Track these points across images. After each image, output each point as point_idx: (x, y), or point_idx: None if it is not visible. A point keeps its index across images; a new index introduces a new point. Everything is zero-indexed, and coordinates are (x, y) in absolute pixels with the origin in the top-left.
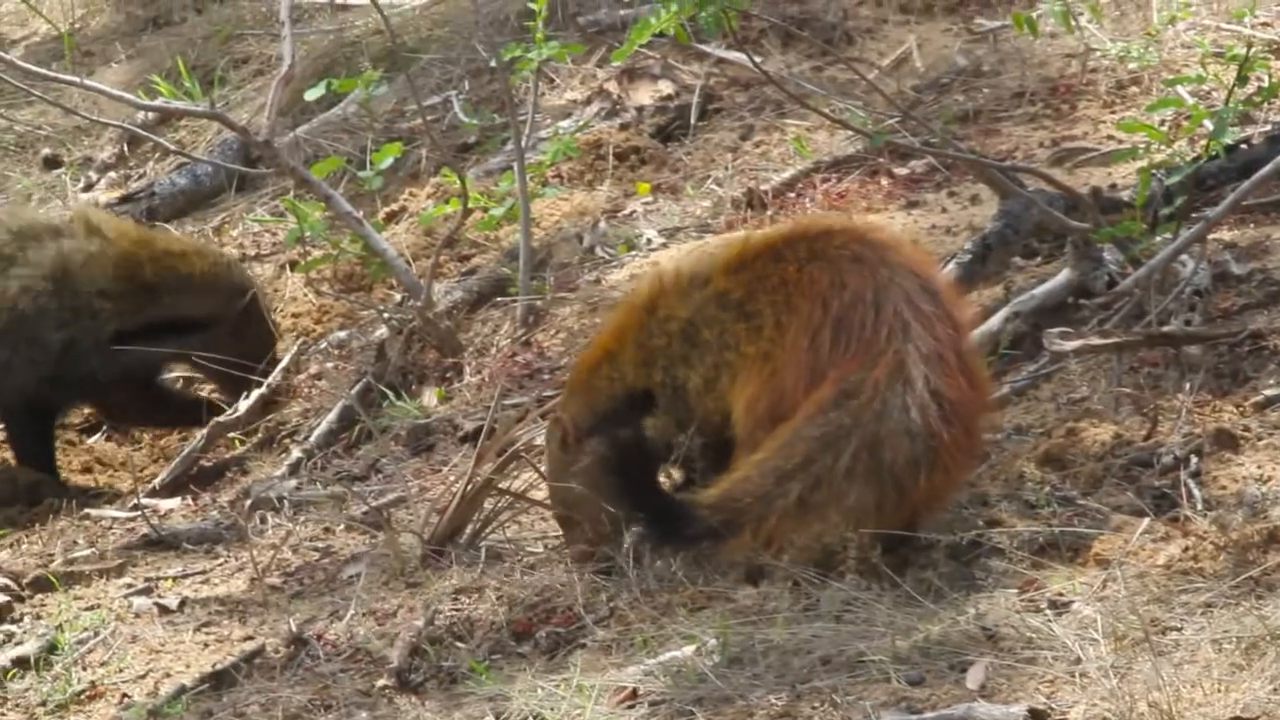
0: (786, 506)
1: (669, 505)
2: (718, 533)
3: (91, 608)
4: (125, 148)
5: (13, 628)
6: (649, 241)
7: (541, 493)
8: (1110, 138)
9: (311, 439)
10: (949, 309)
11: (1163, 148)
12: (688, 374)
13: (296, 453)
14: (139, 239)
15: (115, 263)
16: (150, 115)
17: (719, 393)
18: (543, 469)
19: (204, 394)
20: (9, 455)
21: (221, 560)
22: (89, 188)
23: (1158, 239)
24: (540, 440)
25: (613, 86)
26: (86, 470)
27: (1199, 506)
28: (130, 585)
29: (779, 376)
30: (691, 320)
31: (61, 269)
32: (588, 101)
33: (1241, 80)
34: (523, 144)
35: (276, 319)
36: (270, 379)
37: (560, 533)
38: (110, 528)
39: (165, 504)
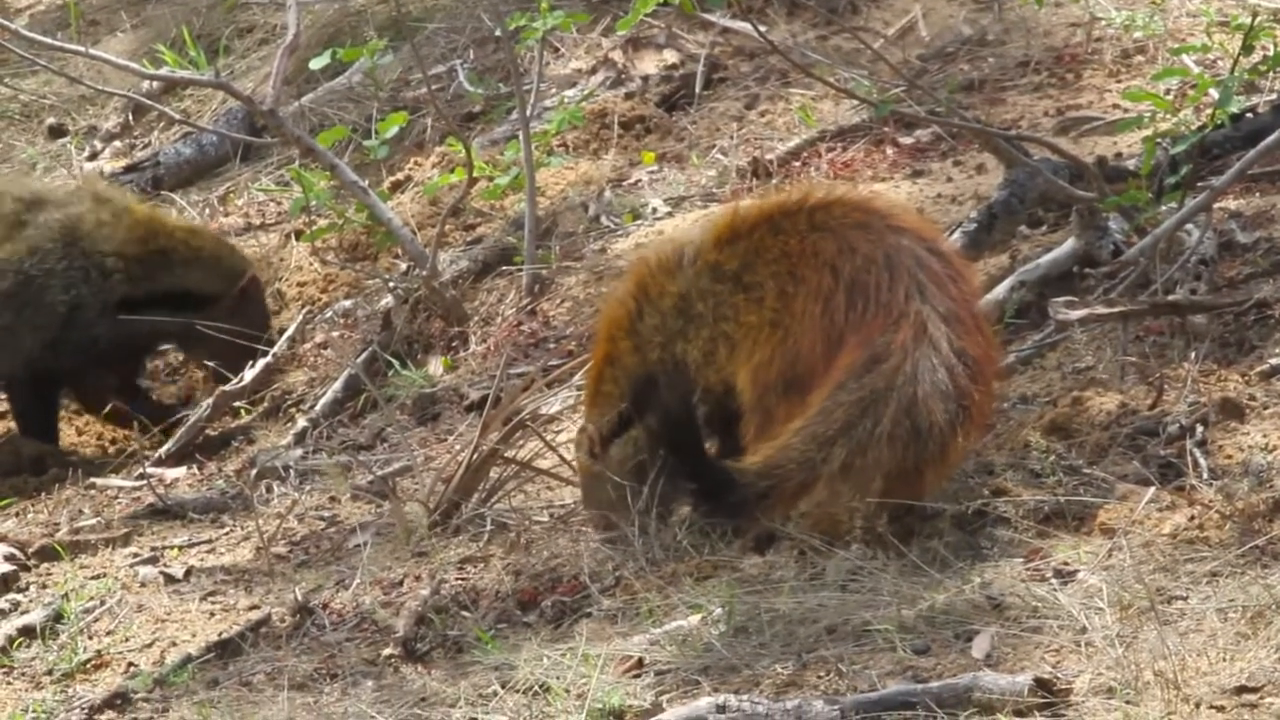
0: (831, 472)
1: (717, 473)
2: (763, 499)
3: (97, 577)
4: (130, 117)
5: (19, 597)
6: (654, 210)
7: (547, 462)
8: (1115, 106)
9: (317, 408)
10: (958, 269)
11: (1168, 116)
12: (685, 348)
13: (302, 422)
14: (151, 210)
15: (130, 228)
16: (155, 84)
17: (718, 364)
18: (547, 438)
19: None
20: (13, 425)
21: (227, 529)
22: (94, 157)
23: (1163, 208)
24: (546, 409)
25: (618, 55)
26: (92, 437)
27: (1204, 475)
28: (136, 554)
29: (792, 342)
30: (684, 294)
31: (70, 232)
32: (593, 70)
33: (1247, 49)
34: (528, 113)
35: (280, 290)
36: (275, 348)
37: (565, 502)
38: (116, 497)
39: (171, 473)
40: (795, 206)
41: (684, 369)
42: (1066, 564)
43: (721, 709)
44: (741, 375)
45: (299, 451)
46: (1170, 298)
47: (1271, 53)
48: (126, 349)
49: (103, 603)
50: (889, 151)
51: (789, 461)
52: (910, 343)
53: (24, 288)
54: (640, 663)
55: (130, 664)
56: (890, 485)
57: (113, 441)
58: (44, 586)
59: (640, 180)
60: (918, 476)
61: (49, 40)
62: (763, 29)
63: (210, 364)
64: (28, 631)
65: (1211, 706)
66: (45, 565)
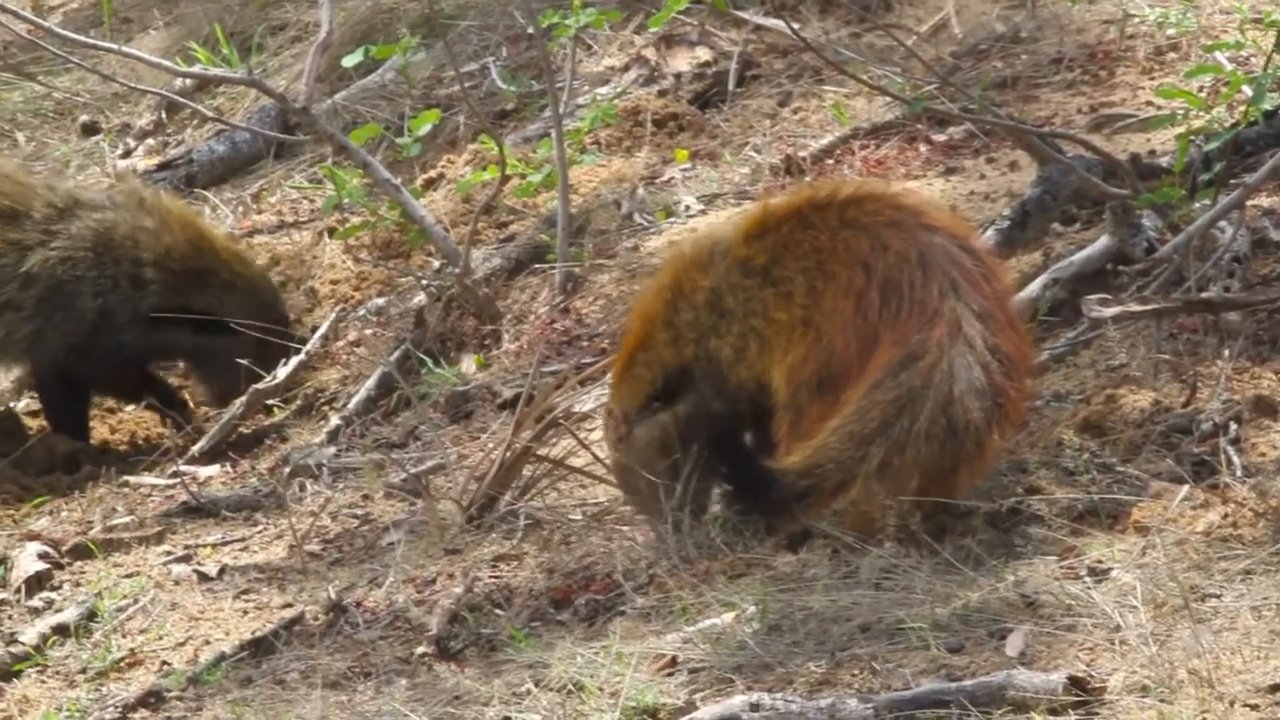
0: (869, 471)
1: (758, 473)
2: (803, 498)
3: (131, 575)
4: (163, 115)
5: (53, 595)
6: (687, 208)
7: (580, 460)
8: (1149, 104)
9: (350, 406)
10: (990, 267)
11: (1201, 114)
12: (718, 344)
13: (335, 420)
14: (200, 226)
15: (175, 240)
16: (188, 82)
17: (749, 361)
18: (580, 436)
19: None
20: (47, 423)
21: (260, 527)
22: (127, 155)
23: (1196, 205)
24: (579, 407)
25: (650, 53)
26: (125, 435)
27: (1238, 473)
28: (169, 553)
29: (826, 341)
30: (715, 289)
31: (104, 240)
32: (626, 68)
33: None
34: (561, 110)
35: (312, 287)
36: (308, 345)
37: (598, 500)
38: (149, 495)
39: (204, 471)
40: (825, 201)
41: (718, 365)
42: (1100, 562)
43: (755, 707)
44: (776, 373)
45: (332, 449)
46: (1203, 295)
47: None
48: (151, 357)
49: (136, 601)
50: (922, 149)
51: (828, 461)
52: (945, 340)
53: (55, 293)
54: (674, 661)
55: (164, 662)
56: (926, 483)
57: (146, 439)
58: (78, 585)
59: (673, 178)
60: (953, 475)
61: (82, 38)
62: (796, 26)
63: (206, 388)
64: (62, 630)
65: (1245, 705)
66: (79, 563)
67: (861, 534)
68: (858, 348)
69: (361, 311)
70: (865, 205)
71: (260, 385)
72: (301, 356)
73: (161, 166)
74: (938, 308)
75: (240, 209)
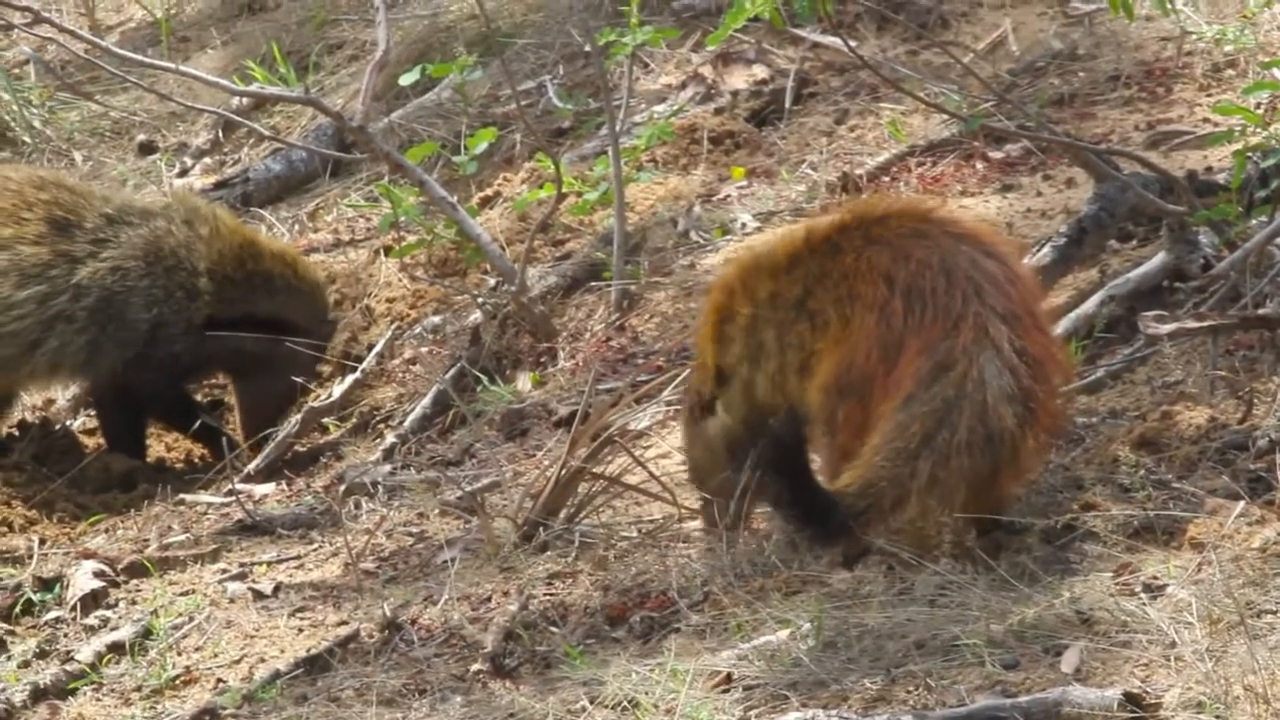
0: (920, 486)
1: (820, 496)
2: (862, 517)
3: (186, 593)
4: (220, 133)
5: (108, 613)
6: (743, 226)
7: (635, 477)
8: (1206, 121)
9: (406, 424)
10: (1015, 270)
11: (1258, 130)
12: (754, 374)
13: (391, 438)
14: (249, 231)
15: (226, 250)
16: (245, 101)
17: (788, 389)
18: (636, 453)
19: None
20: (103, 442)
21: (316, 545)
22: (184, 173)
23: (1253, 222)
24: (634, 425)
25: (707, 71)
26: (181, 453)
27: None
28: (225, 570)
29: (847, 350)
30: (754, 318)
31: (155, 250)
32: (682, 86)
33: None
34: (617, 128)
35: (368, 306)
36: (364, 364)
37: (654, 517)
38: (205, 513)
39: (260, 489)
40: (854, 222)
41: (751, 392)
42: (1156, 578)
43: None
44: (811, 394)
45: (387, 467)
46: (1260, 312)
47: None
48: (206, 368)
49: (191, 619)
50: (979, 166)
51: (880, 479)
52: (972, 346)
53: (108, 304)
54: (729, 678)
55: (219, 680)
56: (971, 494)
57: (202, 458)
58: (133, 603)
59: (729, 195)
60: (994, 483)
61: (140, 57)
62: (853, 44)
63: (246, 403)
64: (117, 648)
65: None
66: (135, 581)
67: (917, 551)
68: (879, 355)
69: (417, 329)
70: (891, 222)
71: (316, 404)
72: (357, 375)
73: (218, 185)
74: (961, 312)
75: (296, 227)
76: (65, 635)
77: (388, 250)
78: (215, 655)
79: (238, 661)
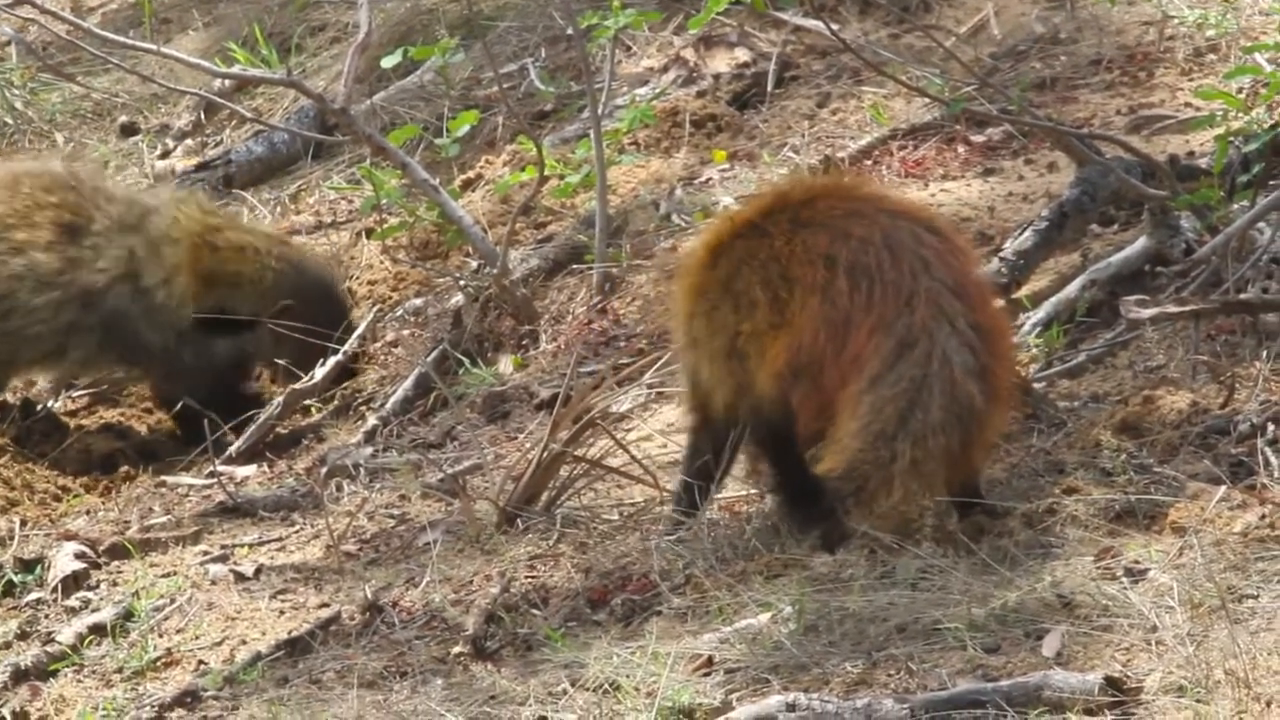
0: (903, 468)
1: (808, 482)
2: (850, 501)
3: (168, 575)
4: (202, 115)
5: (89, 595)
6: (725, 209)
7: (617, 460)
8: (1188, 105)
9: (387, 406)
10: (955, 243)
11: (1240, 115)
12: (698, 362)
13: (372, 420)
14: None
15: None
16: (227, 83)
17: (734, 376)
18: (618, 436)
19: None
20: (85, 423)
21: (297, 527)
22: (165, 155)
23: (1235, 206)
24: (616, 407)
25: (689, 54)
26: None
27: (1276, 474)
28: (206, 552)
29: (794, 335)
30: (690, 310)
31: (135, 267)
32: (664, 69)
33: None
34: (599, 111)
35: (350, 288)
36: (347, 346)
37: (635, 500)
38: (186, 495)
39: (241, 471)
40: (778, 205)
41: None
42: (1137, 562)
43: (791, 707)
44: (762, 380)
45: (369, 449)
46: (1242, 296)
47: None
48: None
49: (173, 601)
50: (960, 149)
51: (863, 463)
52: (930, 321)
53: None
54: (710, 661)
55: (200, 662)
56: (948, 472)
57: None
58: (114, 584)
59: (711, 178)
60: (966, 458)
61: (121, 39)
62: (835, 27)
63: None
64: (98, 629)
65: None
66: (116, 563)
67: (899, 535)
68: (827, 334)
69: (399, 312)
70: (819, 203)
71: (298, 385)
72: (339, 357)
73: (200, 167)
74: (913, 288)
75: (278, 209)
76: (46, 617)
77: (369, 233)
78: (196, 637)
79: (219, 643)
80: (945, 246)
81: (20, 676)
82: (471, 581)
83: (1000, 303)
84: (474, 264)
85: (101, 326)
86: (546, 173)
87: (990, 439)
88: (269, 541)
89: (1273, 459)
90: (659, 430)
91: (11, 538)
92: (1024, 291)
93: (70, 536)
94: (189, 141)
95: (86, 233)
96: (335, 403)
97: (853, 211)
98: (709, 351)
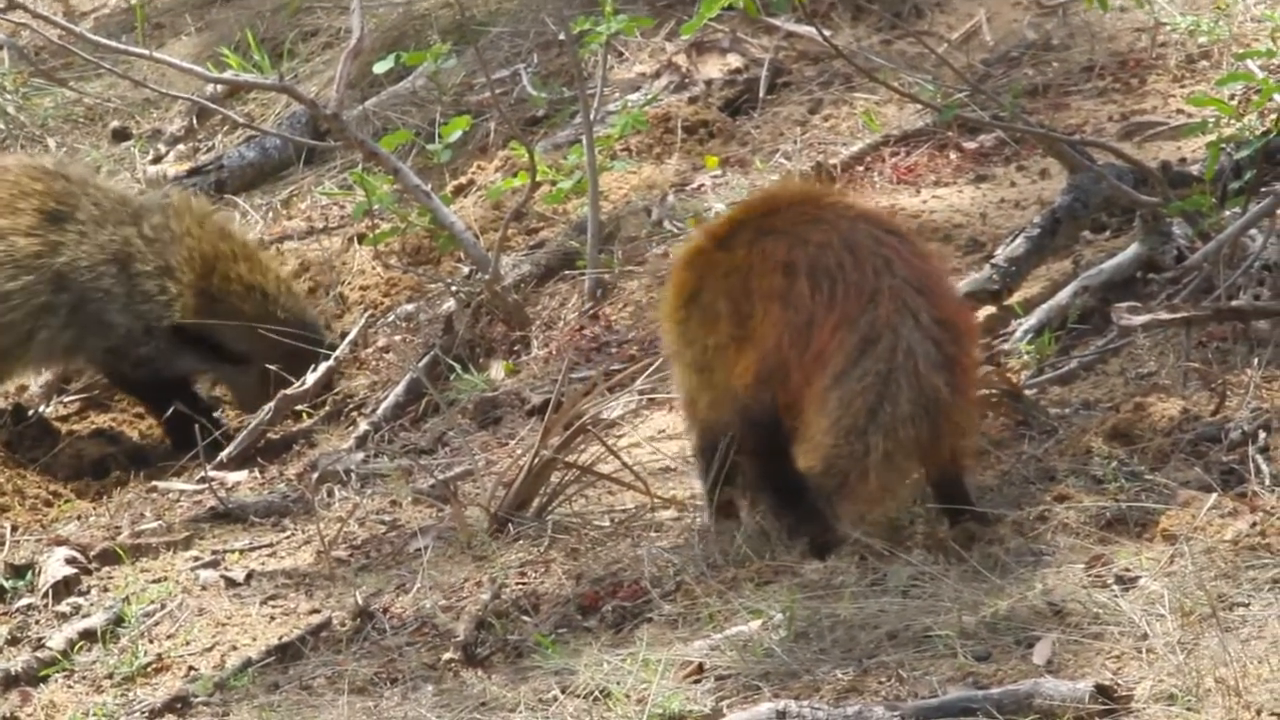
0: (877, 460)
1: (792, 480)
2: (834, 497)
3: (158, 580)
4: (194, 120)
5: (80, 600)
6: (717, 215)
7: (608, 466)
8: (1180, 112)
9: (378, 412)
10: (915, 244)
11: (1232, 122)
12: (682, 374)
13: (364, 426)
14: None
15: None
16: (219, 88)
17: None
18: (609, 442)
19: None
20: (76, 428)
21: (288, 533)
22: (157, 160)
23: (1227, 213)
24: (607, 413)
25: (681, 60)
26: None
27: (1267, 482)
28: (197, 558)
29: (759, 343)
30: (671, 323)
31: (126, 254)
32: (656, 75)
33: None
34: (591, 117)
35: (342, 294)
36: (338, 351)
37: (626, 507)
38: (177, 500)
39: (232, 477)
40: (746, 218)
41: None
42: (1128, 570)
43: (782, 714)
44: (739, 391)
45: (360, 455)
46: (1233, 303)
47: None
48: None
49: (163, 606)
50: (952, 156)
51: (839, 458)
52: (894, 316)
53: (84, 303)
54: (700, 668)
55: (191, 668)
56: (923, 461)
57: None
58: (105, 590)
59: (703, 185)
60: (936, 451)
61: (113, 43)
62: (827, 33)
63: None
64: (89, 635)
65: (1273, 714)
66: (106, 569)
67: (890, 542)
68: (790, 338)
69: (391, 317)
70: (782, 213)
71: (289, 391)
72: (330, 363)
73: (192, 172)
74: (876, 285)
75: (270, 215)
76: (37, 622)
77: (361, 238)
78: (187, 643)
79: (210, 649)
80: (906, 247)
81: (11, 682)
82: (462, 588)
83: (964, 297)
84: (466, 270)
85: (70, 306)
86: (538, 178)
87: (966, 427)
88: (260, 547)
89: (1264, 467)
90: (650, 436)
91: (2, 543)
92: (1016, 298)
93: (61, 542)
94: (181, 146)
95: (71, 219)
96: (326, 408)
97: (813, 219)
98: (685, 363)
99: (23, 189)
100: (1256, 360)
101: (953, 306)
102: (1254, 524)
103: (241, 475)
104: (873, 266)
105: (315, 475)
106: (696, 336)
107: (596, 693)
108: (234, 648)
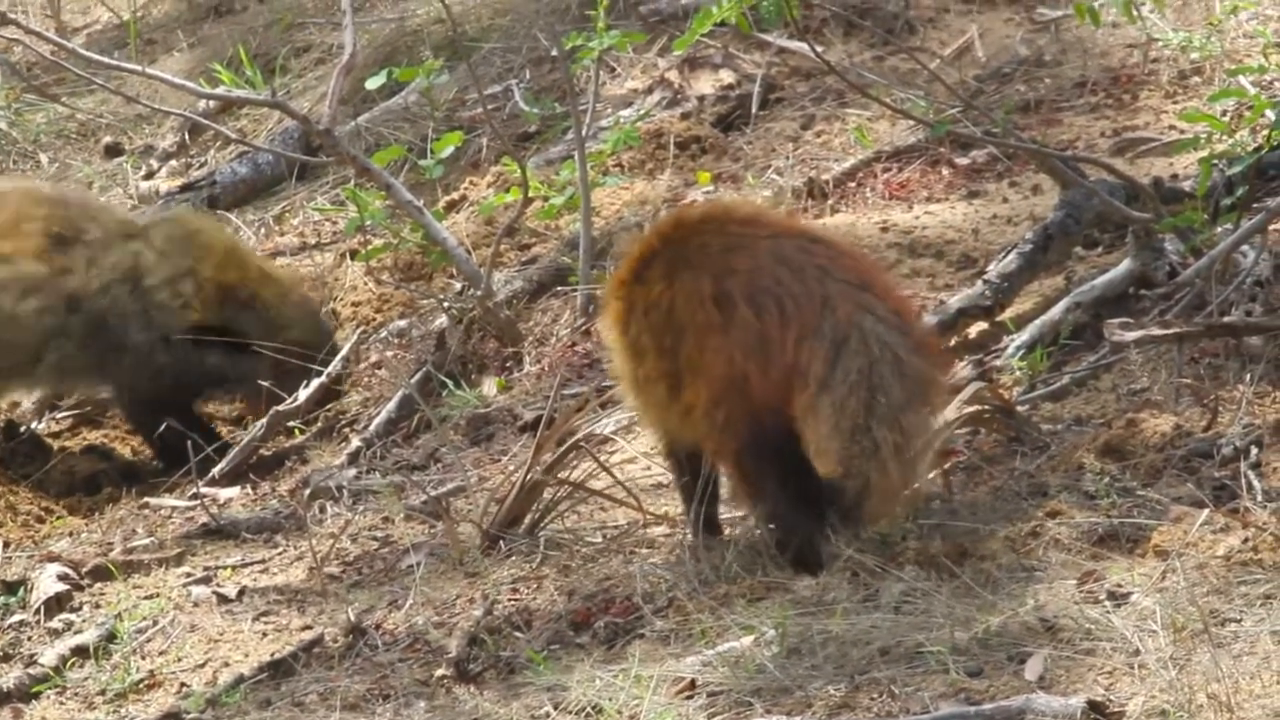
0: (889, 452)
1: (819, 486)
2: (861, 496)
3: (150, 597)
4: (186, 136)
5: (72, 616)
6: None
7: (600, 482)
8: (1172, 128)
9: (371, 428)
10: (841, 247)
11: (1224, 138)
12: (633, 402)
13: (356, 442)
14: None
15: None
16: (211, 103)
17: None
18: (601, 459)
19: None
20: (68, 444)
21: (280, 549)
22: (150, 176)
23: (1219, 229)
24: (600, 430)
25: (674, 75)
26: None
27: (1259, 498)
28: (189, 574)
29: (707, 375)
30: (610, 350)
31: (137, 271)
32: (649, 90)
33: None
34: (584, 133)
35: (334, 309)
36: (330, 368)
37: (618, 523)
38: (169, 517)
39: (224, 493)
40: (660, 247)
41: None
42: (1120, 586)
43: None
44: (690, 426)
45: (352, 471)
46: (1226, 319)
47: None
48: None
49: (156, 623)
50: (945, 172)
51: (852, 458)
52: (854, 315)
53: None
54: (693, 684)
55: (183, 684)
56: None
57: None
58: (97, 606)
59: (696, 200)
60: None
61: (106, 59)
62: (819, 49)
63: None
64: (81, 651)
65: None
66: (99, 585)
67: (882, 558)
68: (745, 354)
69: (383, 333)
70: (693, 241)
71: (281, 407)
72: (323, 379)
73: (184, 188)
74: (823, 292)
75: (263, 230)
76: (29, 638)
77: (354, 254)
78: (179, 659)
79: (202, 665)
80: (835, 251)
81: (3, 699)
82: (454, 604)
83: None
84: (458, 286)
85: (84, 327)
86: (531, 194)
87: (942, 399)
88: (252, 563)
89: (1255, 482)
90: (642, 453)
91: None
92: (1008, 314)
93: (53, 558)
94: (173, 162)
95: (77, 243)
96: (319, 425)
97: (730, 246)
98: (627, 384)
99: (25, 214)
100: (1248, 376)
101: (897, 294)
102: (1246, 540)
103: (234, 491)
104: (813, 276)
105: (307, 491)
106: (629, 367)
107: (589, 709)
108: (226, 664)
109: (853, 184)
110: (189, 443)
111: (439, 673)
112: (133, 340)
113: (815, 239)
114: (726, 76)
